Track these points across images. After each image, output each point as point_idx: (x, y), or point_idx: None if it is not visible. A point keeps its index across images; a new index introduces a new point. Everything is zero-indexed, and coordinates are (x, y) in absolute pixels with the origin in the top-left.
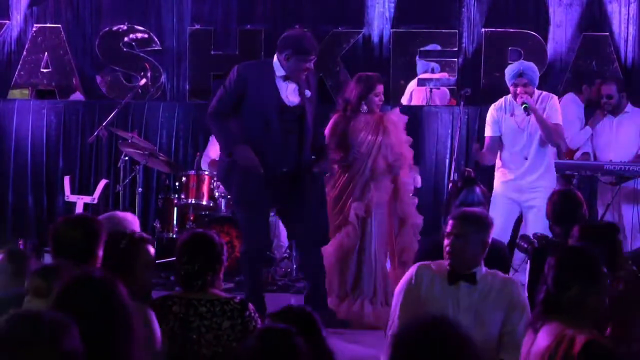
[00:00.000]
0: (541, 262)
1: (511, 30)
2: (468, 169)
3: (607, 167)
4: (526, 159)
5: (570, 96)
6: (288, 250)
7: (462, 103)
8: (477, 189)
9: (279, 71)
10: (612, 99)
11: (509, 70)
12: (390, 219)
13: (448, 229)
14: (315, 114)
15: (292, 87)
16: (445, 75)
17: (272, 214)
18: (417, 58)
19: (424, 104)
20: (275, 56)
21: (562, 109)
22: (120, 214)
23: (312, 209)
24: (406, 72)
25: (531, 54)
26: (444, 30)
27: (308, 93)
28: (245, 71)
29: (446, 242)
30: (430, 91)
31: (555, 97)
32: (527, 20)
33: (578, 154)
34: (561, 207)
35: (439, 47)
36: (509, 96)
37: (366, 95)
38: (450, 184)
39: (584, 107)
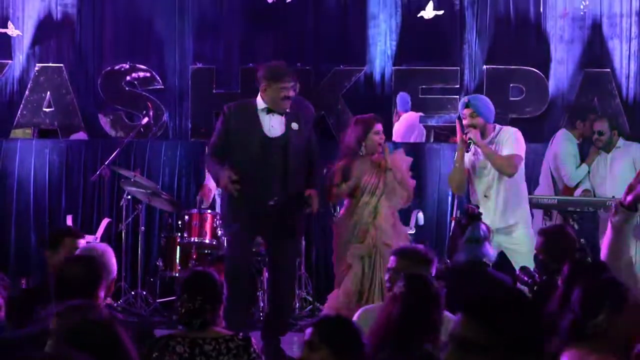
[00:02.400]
0: (545, 296)
1: (512, 67)
2: (471, 205)
3: (610, 203)
4: (486, 196)
5: (562, 133)
6: None
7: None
8: (482, 225)
9: (261, 105)
10: (603, 135)
11: (459, 105)
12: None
13: (389, 264)
14: (305, 148)
15: (276, 119)
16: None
17: None
18: (419, 95)
19: (424, 141)
20: (259, 93)
21: (555, 147)
22: (99, 245)
23: (287, 248)
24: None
25: (533, 91)
26: (445, 68)
27: (295, 126)
28: (229, 110)
29: (386, 277)
30: (432, 128)
31: (514, 129)
32: (528, 57)
33: (578, 191)
34: (559, 244)
35: (441, 85)
36: None
37: (365, 135)
38: (454, 222)
39: (578, 143)
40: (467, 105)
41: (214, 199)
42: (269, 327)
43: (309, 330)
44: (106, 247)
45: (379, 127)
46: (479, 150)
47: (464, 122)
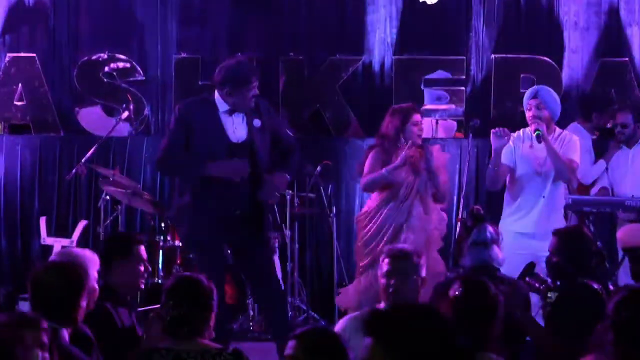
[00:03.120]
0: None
1: (523, 56)
2: (477, 206)
3: (629, 203)
4: (543, 197)
5: (574, 126)
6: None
7: (470, 135)
8: (489, 227)
9: (222, 106)
10: (627, 128)
11: (525, 94)
12: None
13: (385, 267)
14: (272, 144)
15: (237, 119)
16: (452, 105)
17: None
18: (422, 87)
19: (429, 136)
20: (216, 91)
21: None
22: (77, 250)
23: (264, 259)
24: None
25: (545, 82)
26: (450, 57)
27: (257, 123)
28: (186, 110)
29: (386, 282)
30: (437, 123)
31: (577, 138)
32: (540, 45)
33: (595, 190)
34: (576, 246)
35: (445, 75)
36: (528, 128)
37: (403, 126)
38: (459, 224)
39: (593, 138)
40: (535, 95)
41: None
42: (278, 330)
43: (291, 344)
44: (86, 252)
45: (417, 117)
46: (536, 144)
47: (528, 112)
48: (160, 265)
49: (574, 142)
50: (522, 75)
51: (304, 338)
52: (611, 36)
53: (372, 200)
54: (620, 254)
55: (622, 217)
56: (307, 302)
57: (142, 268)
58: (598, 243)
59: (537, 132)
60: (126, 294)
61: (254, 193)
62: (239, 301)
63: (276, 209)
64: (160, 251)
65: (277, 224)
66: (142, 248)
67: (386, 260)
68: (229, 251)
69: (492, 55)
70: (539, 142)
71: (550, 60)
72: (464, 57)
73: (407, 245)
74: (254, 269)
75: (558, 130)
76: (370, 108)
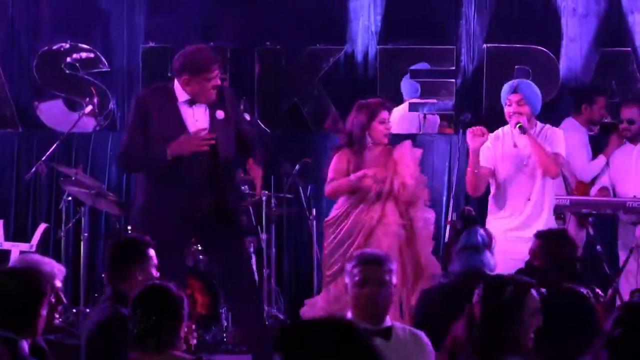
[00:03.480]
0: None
1: (517, 45)
2: (467, 207)
3: (631, 204)
4: (529, 199)
5: (569, 122)
6: None
7: (460, 131)
8: (480, 230)
9: (182, 96)
10: (634, 124)
11: (503, 88)
12: (402, 270)
13: (358, 276)
14: (237, 137)
15: (199, 110)
16: (440, 99)
17: None
18: (408, 79)
19: (417, 132)
20: (175, 80)
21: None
22: (41, 257)
23: (234, 260)
24: (395, 95)
25: (541, 73)
26: (439, 47)
27: (220, 114)
28: (144, 100)
29: (358, 291)
30: (424, 117)
31: (561, 131)
32: (535, 33)
33: (594, 189)
34: (562, 250)
35: (433, 66)
36: (507, 125)
37: (369, 124)
38: (449, 226)
39: (587, 132)
40: (515, 90)
41: None
42: (253, 340)
43: None
44: (52, 261)
45: (385, 115)
46: (520, 142)
47: (508, 108)
48: None
49: (558, 135)
50: (516, 67)
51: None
52: (612, 24)
53: (341, 202)
54: (622, 258)
55: (623, 219)
56: (285, 312)
57: (155, 272)
58: (598, 247)
59: (518, 124)
60: None
61: (217, 193)
62: (211, 311)
63: (251, 211)
64: None
65: (252, 227)
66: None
67: (357, 267)
68: (200, 257)
69: (484, 45)
70: (523, 133)
71: (546, 50)
72: (454, 47)
73: (379, 251)
74: (226, 269)
75: (539, 124)
76: (353, 101)
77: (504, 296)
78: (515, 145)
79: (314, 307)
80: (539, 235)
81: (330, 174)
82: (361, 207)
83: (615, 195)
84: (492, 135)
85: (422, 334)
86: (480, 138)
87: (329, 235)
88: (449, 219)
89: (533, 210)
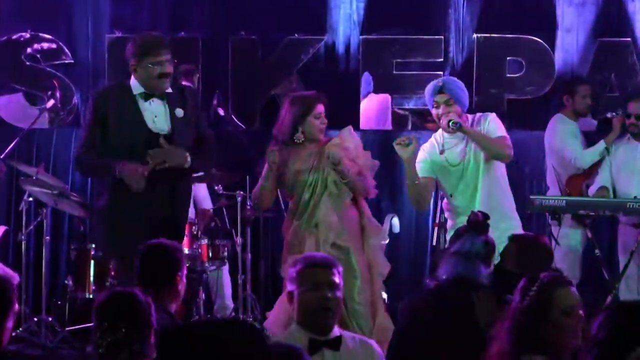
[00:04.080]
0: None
1: (509, 36)
2: (479, 211)
3: (631, 205)
4: (475, 196)
5: (557, 117)
6: (233, 313)
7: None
8: (482, 239)
9: (137, 89)
10: None
11: (427, 88)
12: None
13: (307, 280)
14: (195, 139)
15: (157, 107)
16: None
17: (212, 267)
18: (393, 71)
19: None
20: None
21: (549, 133)
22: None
23: None
24: (379, 89)
25: (535, 65)
26: (426, 37)
27: (180, 112)
28: (101, 98)
29: (309, 296)
30: (410, 112)
31: (491, 113)
32: (529, 23)
33: (592, 189)
34: (536, 255)
35: (420, 58)
36: (438, 131)
37: (303, 118)
38: (436, 229)
39: (575, 122)
40: (441, 90)
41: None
42: None
43: None
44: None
45: (320, 108)
46: (445, 142)
47: (436, 110)
48: (92, 278)
49: (492, 118)
50: (508, 58)
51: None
52: (611, 13)
53: (288, 208)
54: (622, 262)
55: (623, 221)
56: (262, 319)
57: None
58: (596, 251)
59: (450, 121)
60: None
61: (173, 194)
62: (186, 320)
63: (225, 213)
64: (92, 261)
65: (226, 230)
66: None
67: (306, 270)
68: None
69: (474, 35)
70: (458, 128)
71: (540, 41)
72: (442, 37)
73: (324, 254)
74: None
75: (470, 116)
76: (334, 95)
77: (531, 292)
78: (442, 152)
79: (277, 319)
80: (513, 238)
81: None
82: (298, 212)
83: (615, 194)
84: (424, 146)
85: (373, 343)
86: (406, 148)
87: (284, 245)
88: (437, 220)
89: (483, 207)
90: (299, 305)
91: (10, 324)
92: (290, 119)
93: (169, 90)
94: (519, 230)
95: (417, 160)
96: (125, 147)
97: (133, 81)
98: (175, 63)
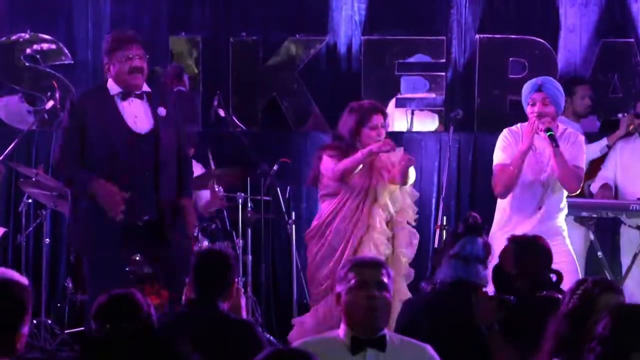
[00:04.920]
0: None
1: (512, 36)
2: (474, 213)
3: (634, 207)
4: (540, 208)
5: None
6: None
7: (452, 128)
8: (480, 241)
9: (114, 89)
10: None
11: (525, 86)
12: None
13: (354, 279)
14: (176, 140)
15: (137, 106)
16: (430, 94)
17: None
18: (395, 73)
19: (404, 130)
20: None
21: None
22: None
23: (175, 270)
24: (381, 90)
25: (538, 67)
26: (428, 38)
27: (162, 112)
28: (79, 101)
29: (355, 295)
30: (412, 114)
31: (582, 137)
32: (532, 24)
33: (595, 186)
34: (533, 258)
35: (422, 59)
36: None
37: (359, 129)
38: (438, 230)
39: (576, 123)
40: (539, 89)
41: None
42: None
43: None
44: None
45: (377, 119)
46: (537, 144)
47: (532, 109)
48: None
49: (580, 144)
50: (510, 59)
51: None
52: (614, 13)
53: (322, 211)
54: (625, 265)
55: (627, 222)
56: (262, 322)
57: None
58: (599, 254)
59: (549, 132)
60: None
61: (158, 197)
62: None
63: (225, 215)
64: None
65: (226, 232)
66: None
67: (353, 270)
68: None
69: (477, 36)
70: (553, 143)
71: (543, 42)
72: (444, 38)
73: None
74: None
75: (561, 127)
76: (335, 97)
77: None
78: (534, 149)
79: (303, 327)
80: (512, 239)
81: (325, 172)
82: (342, 214)
83: (618, 194)
84: (510, 129)
85: (427, 346)
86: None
87: (312, 248)
88: (439, 222)
89: (540, 220)
90: (345, 305)
91: (25, 329)
92: (347, 129)
93: (147, 89)
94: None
95: (503, 146)
96: (105, 149)
97: (110, 82)
98: (148, 59)
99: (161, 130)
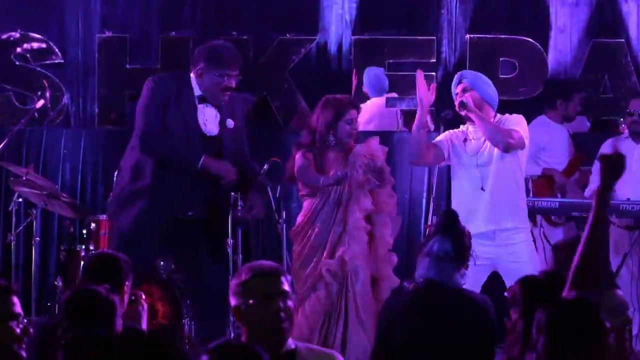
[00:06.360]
0: None
1: (502, 36)
2: (452, 209)
3: (624, 207)
4: (483, 189)
5: (541, 120)
6: None
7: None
8: (449, 241)
9: (197, 89)
10: None
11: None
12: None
13: (258, 291)
14: (238, 150)
15: (210, 112)
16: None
17: None
18: (386, 72)
19: (394, 129)
20: (192, 72)
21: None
22: None
23: (206, 265)
24: (371, 89)
25: (528, 66)
26: (418, 37)
27: (230, 123)
28: (163, 84)
29: (262, 307)
30: (401, 114)
31: (520, 116)
32: (522, 24)
33: (589, 190)
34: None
35: (412, 58)
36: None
37: (335, 122)
38: (428, 229)
39: (565, 128)
40: (460, 81)
41: None
42: None
43: (204, 358)
44: None
45: (352, 114)
46: (469, 132)
47: (456, 100)
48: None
49: (516, 118)
50: (501, 59)
51: (221, 352)
52: (605, 13)
53: (305, 209)
54: (615, 265)
55: (616, 222)
56: None
57: None
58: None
59: (461, 105)
60: None
61: (212, 198)
62: (173, 322)
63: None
64: (82, 262)
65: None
66: None
67: (255, 280)
68: (161, 262)
69: (467, 36)
70: (464, 108)
71: (533, 41)
72: (434, 38)
73: (271, 262)
74: (197, 286)
75: (498, 116)
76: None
77: None
78: (465, 140)
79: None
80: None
81: (300, 179)
82: (324, 212)
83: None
84: (454, 131)
85: (334, 353)
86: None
87: (296, 247)
88: (429, 222)
89: (490, 203)
90: (248, 321)
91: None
92: (322, 122)
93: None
94: (525, 234)
95: (445, 135)
96: (180, 139)
97: (194, 80)
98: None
99: (224, 139)
